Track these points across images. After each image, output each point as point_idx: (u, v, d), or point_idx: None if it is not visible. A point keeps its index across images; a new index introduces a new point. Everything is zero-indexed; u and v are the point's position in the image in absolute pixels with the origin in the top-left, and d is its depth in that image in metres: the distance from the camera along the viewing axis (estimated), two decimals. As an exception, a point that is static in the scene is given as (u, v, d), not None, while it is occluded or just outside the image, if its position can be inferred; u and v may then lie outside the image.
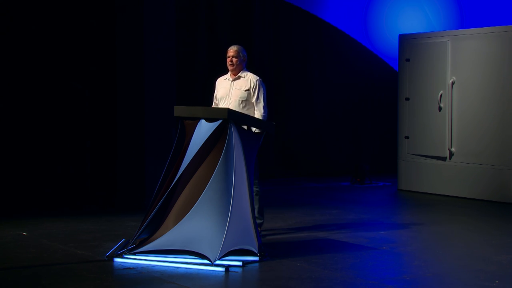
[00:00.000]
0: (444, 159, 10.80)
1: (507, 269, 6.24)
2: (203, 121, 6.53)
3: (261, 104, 7.33)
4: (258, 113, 7.33)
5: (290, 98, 13.04)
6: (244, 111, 7.22)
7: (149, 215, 6.44)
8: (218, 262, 6.09)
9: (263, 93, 7.38)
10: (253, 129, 6.92)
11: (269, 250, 6.65)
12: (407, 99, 11.25)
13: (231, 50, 7.42)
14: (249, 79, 7.39)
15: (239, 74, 7.40)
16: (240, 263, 6.15)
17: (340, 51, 13.46)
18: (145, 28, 9.19)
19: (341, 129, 13.55)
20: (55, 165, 9.52)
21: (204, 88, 12.03)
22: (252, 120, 6.76)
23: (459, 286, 5.73)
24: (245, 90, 7.34)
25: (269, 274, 5.97)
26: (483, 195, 10.31)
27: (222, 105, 7.35)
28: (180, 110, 6.71)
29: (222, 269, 6.00)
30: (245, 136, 6.53)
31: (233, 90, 7.37)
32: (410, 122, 11.22)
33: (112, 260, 6.31)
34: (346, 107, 13.60)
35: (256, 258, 6.32)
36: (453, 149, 10.69)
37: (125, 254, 6.35)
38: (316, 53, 13.26)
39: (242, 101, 7.31)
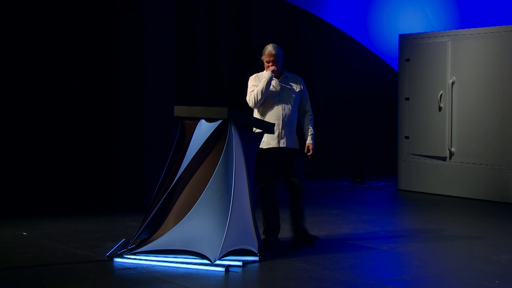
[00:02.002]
0: (444, 159, 10.80)
1: (507, 269, 6.24)
2: (203, 121, 6.54)
3: (310, 109, 7.25)
4: (310, 115, 7.23)
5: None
6: (294, 112, 7.09)
7: (149, 215, 6.45)
8: (218, 262, 6.09)
9: (308, 93, 7.30)
10: (254, 129, 6.91)
11: (269, 250, 6.65)
12: (407, 99, 11.25)
13: (269, 55, 7.07)
14: (297, 79, 7.19)
15: (285, 75, 7.15)
16: (240, 263, 6.15)
17: (340, 51, 13.46)
18: (145, 28, 9.19)
19: (341, 129, 13.55)
20: (55, 165, 9.51)
21: (204, 88, 12.03)
22: (251, 120, 6.75)
23: (459, 286, 5.73)
24: (297, 91, 7.14)
25: (269, 274, 5.97)
26: (483, 195, 10.31)
27: (273, 103, 7.03)
28: (180, 110, 6.71)
29: (222, 269, 6.00)
30: (245, 136, 6.53)
31: (285, 90, 7.10)
32: (410, 122, 11.22)
33: (112, 260, 6.31)
34: (346, 107, 13.60)
35: (256, 258, 6.32)
36: (453, 149, 10.69)
37: (125, 254, 6.35)
38: (316, 53, 13.26)
39: (294, 101, 7.12)
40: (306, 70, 13.14)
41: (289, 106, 7.08)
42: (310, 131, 7.24)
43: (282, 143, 7.02)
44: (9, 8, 9.30)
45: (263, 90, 6.99)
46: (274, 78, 7.10)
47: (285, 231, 7.79)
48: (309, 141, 7.23)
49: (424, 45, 11.02)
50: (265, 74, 7.05)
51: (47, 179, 9.44)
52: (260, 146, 6.99)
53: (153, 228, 6.43)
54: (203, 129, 6.51)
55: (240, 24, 12.42)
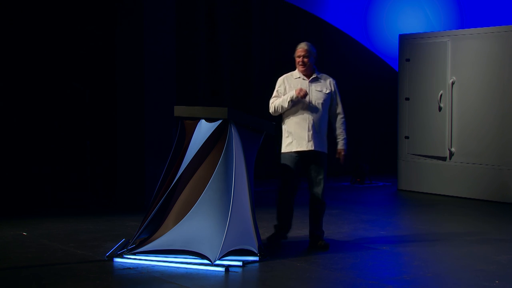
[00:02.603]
0: (444, 159, 10.80)
1: (507, 269, 6.24)
2: (203, 121, 6.53)
3: (342, 112, 7.10)
4: (342, 117, 7.08)
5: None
6: (324, 114, 6.92)
7: (149, 215, 6.45)
8: (218, 262, 6.09)
9: (340, 96, 7.13)
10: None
11: (269, 250, 6.65)
12: (407, 99, 11.25)
13: (301, 50, 6.95)
14: (328, 81, 7.01)
15: (315, 75, 7.00)
16: (240, 263, 6.15)
17: (340, 51, 13.45)
18: (145, 28, 9.19)
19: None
20: (56, 165, 9.51)
21: (205, 88, 12.03)
22: (251, 120, 6.73)
23: (459, 286, 5.73)
24: (327, 93, 6.96)
25: (269, 274, 5.97)
26: (483, 195, 10.30)
27: (301, 105, 6.85)
28: (180, 110, 6.71)
29: (222, 269, 6.00)
30: (245, 136, 6.52)
31: (313, 91, 6.91)
32: (410, 122, 11.22)
33: (112, 260, 6.31)
34: (346, 106, 13.51)
35: (256, 258, 6.32)
36: (453, 149, 10.69)
37: (125, 254, 6.35)
38: (316, 52, 13.24)
39: (323, 103, 6.93)
40: (306, 70, 13.14)
41: (318, 107, 6.90)
42: (342, 135, 7.09)
43: (310, 146, 6.85)
44: (9, 8, 9.30)
45: (284, 108, 6.87)
46: (304, 78, 6.95)
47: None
48: (340, 147, 7.08)
49: (424, 45, 11.02)
50: (291, 92, 6.86)
51: (48, 179, 9.44)
52: (288, 149, 6.89)
53: (153, 228, 6.43)
54: (203, 129, 6.51)
55: (240, 24, 12.41)
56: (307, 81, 6.96)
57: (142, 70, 9.20)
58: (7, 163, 9.27)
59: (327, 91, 6.97)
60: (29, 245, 6.99)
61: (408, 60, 11.25)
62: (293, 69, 7.27)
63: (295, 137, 6.87)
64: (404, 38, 11.39)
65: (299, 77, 6.99)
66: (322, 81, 7.00)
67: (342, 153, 7.08)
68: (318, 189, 6.96)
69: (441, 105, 10.76)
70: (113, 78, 9.60)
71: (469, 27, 12.22)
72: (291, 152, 6.91)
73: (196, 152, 6.46)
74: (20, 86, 9.37)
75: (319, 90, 6.94)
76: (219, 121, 6.44)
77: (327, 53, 13.37)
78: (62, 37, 9.58)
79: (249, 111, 11.89)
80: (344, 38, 13.43)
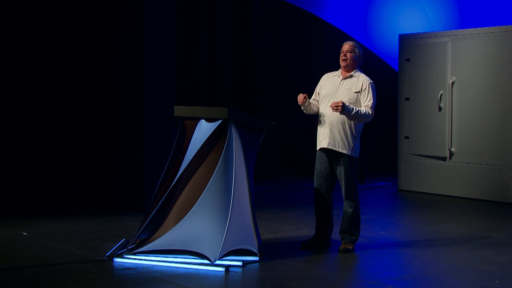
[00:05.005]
0: (444, 159, 10.80)
1: (507, 269, 6.24)
2: (203, 121, 6.54)
3: (369, 105, 6.71)
4: (366, 108, 6.70)
5: (290, 98, 13.04)
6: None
7: (149, 215, 6.45)
8: (218, 262, 6.09)
9: (374, 97, 6.76)
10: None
11: (269, 250, 6.65)
12: (407, 99, 11.25)
13: (346, 45, 6.86)
14: (361, 80, 6.78)
15: (351, 73, 6.83)
16: (240, 263, 6.16)
17: (340, 51, 13.43)
18: (145, 28, 9.19)
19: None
20: (55, 165, 9.51)
21: (205, 88, 12.04)
22: (251, 120, 6.72)
23: (459, 286, 5.73)
24: (355, 92, 6.73)
25: (269, 274, 5.97)
26: (483, 195, 10.31)
27: (326, 103, 6.77)
28: (180, 110, 6.71)
29: (222, 269, 6.01)
30: (245, 136, 6.53)
31: (341, 90, 6.76)
32: (410, 122, 11.22)
33: (112, 260, 6.31)
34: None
35: (256, 258, 6.32)
36: (453, 149, 10.69)
37: (125, 254, 6.35)
38: (316, 53, 13.25)
39: (350, 103, 6.67)
40: (306, 70, 13.14)
41: None
42: (355, 106, 6.69)
43: (324, 144, 6.76)
44: (9, 8, 9.30)
45: (305, 111, 7.01)
46: (339, 76, 6.86)
47: (285, 231, 7.79)
48: (343, 103, 6.61)
49: (424, 45, 11.02)
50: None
51: (47, 179, 9.44)
52: (317, 147, 6.90)
53: (153, 228, 6.43)
54: (203, 129, 6.51)
55: (240, 24, 12.41)
56: (339, 79, 6.86)
57: (142, 70, 9.20)
58: (7, 163, 9.27)
59: (356, 90, 6.78)
60: (29, 245, 6.99)
61: (408, 60, 11.25)
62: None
63: (318, 134, 6.90)
64: (404, 38, 11.39)
65: (335, 75, 6.93)
66: (354, 79, 6.83)
67: (340, 103, 6.57)
68: (342, 190, 6.84)
69: (441, 105, 10.77)
70: (113, 78, 9.59)
71: (469, 27, 12.22)
72: (318, 150, 6.92)
73: (196, 152, 6.46)
74: (20, 86, 9.36)
75: (348, 88, 6.79)
76: (219, 121, 6.44)
77: (327, 53, 13.37)
78: (62, 37, 9.57)
79: (249, 111, 11.92)
80: (344, 38, 13.41)
